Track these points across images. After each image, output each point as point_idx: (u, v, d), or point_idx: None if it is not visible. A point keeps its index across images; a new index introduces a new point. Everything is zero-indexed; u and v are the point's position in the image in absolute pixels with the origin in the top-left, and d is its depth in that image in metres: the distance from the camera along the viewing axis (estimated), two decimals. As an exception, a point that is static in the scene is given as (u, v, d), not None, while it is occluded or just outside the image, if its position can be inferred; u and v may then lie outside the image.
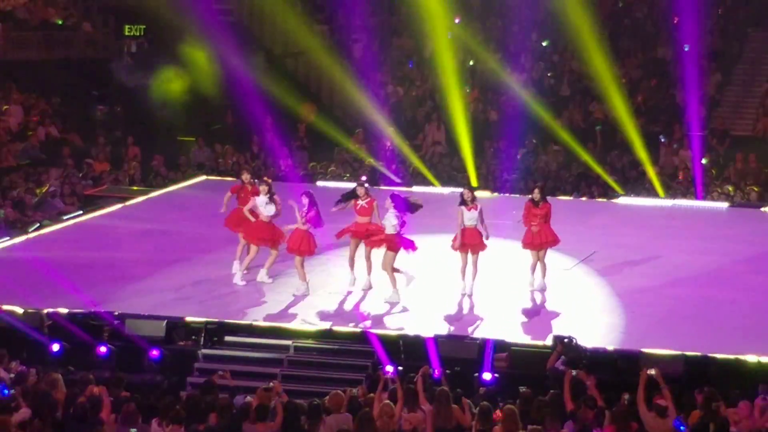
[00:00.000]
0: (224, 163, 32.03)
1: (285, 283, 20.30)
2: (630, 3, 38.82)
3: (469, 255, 19.80)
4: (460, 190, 20.26)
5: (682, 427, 13.81)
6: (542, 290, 20.18)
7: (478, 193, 20.93)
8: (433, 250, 20.68)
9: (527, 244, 20.17)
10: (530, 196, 20.31)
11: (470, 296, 19.81)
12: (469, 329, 18.42)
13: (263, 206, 20.03)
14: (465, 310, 19.40)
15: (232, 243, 21.21)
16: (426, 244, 20.29)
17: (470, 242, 19.70)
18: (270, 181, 20.54)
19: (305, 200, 19.67)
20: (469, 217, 19.64)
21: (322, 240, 20.34)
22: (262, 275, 20.46)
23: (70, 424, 13.76)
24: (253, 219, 20.08)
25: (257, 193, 20.29)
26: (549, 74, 36.36)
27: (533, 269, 20.26)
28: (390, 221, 19.46)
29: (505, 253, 21.20)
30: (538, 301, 19.90)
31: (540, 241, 20.07)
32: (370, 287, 20.08)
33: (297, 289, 19.87)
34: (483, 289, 20.01)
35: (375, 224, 19.82)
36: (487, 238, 19.71)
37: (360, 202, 19.88)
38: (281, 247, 20.20)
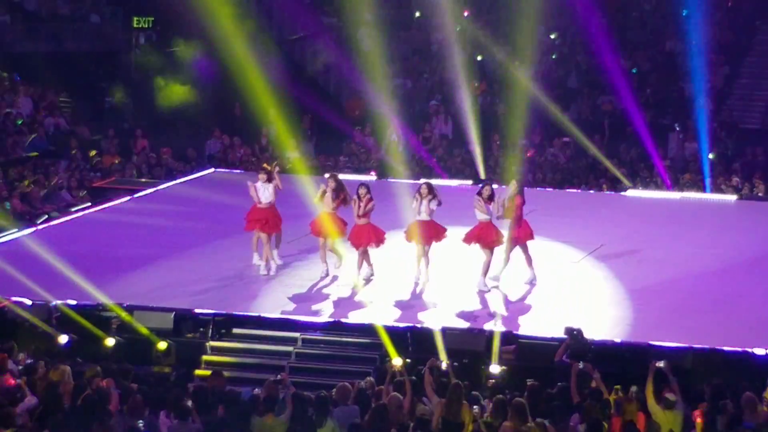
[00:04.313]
0: (233, 156, 32.01)
1: (293, 275, 20.29)
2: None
3: (481, 251, 19.69)
4: (468, 182, 20.17)
5: None
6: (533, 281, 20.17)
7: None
8: (440, 243, 20.60)
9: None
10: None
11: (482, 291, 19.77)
12: (477, 321, 18.43)
13: (262, 192, 20.13)
14: (473, 303, 19.39)
15: (239, 235, 21.23)
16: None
17: (484, 237, 19.54)
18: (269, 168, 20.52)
19: (333, 183, 19.76)
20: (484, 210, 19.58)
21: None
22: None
23: (77, 416, 13.78)
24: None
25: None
26: (557, 67, 36.29)
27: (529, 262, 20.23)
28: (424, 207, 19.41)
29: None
30: (546, 294, 19.87)
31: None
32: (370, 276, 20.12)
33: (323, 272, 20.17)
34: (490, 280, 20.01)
35: (374, 227, 19.79)
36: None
37: (360, 203, 19.74)
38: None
